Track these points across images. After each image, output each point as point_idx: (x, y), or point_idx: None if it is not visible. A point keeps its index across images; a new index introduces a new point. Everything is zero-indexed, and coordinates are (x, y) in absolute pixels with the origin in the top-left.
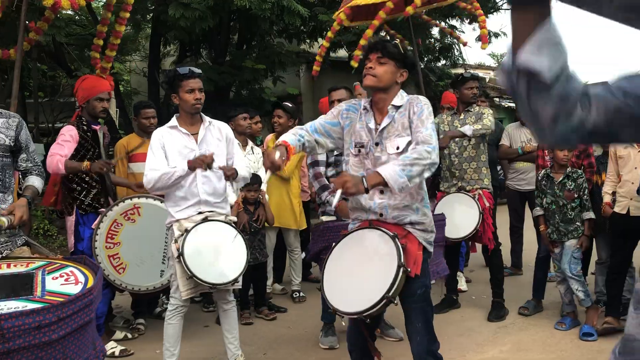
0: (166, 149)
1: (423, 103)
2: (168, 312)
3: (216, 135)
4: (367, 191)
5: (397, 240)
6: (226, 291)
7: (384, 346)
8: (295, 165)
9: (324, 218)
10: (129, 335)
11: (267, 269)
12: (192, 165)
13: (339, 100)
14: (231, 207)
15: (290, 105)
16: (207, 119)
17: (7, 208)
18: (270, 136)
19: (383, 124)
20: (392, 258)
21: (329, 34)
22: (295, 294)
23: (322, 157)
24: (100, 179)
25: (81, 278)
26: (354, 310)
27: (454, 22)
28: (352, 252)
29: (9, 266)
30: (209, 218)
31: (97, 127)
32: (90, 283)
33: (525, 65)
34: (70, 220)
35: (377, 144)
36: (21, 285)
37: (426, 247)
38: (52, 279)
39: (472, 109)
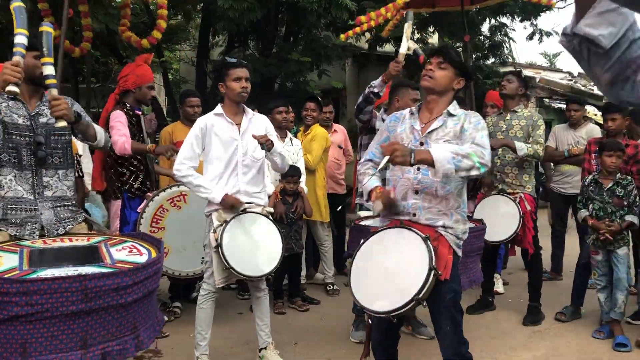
0: (209, 137)
1: (480, 118)
2: (200, 297)
3: (258, 127)
4: (411, 164)
5: (428, 242)
6: (260, 280)
7: (415, 344)
8: (320, 157)
9: (362, 213)
10: (165, 318)
11: (301, 260)
12: (225, 203)
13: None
14: (269, 197)
15: (321, 98)
16: (249, 111)
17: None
18: (299, 133)
19: (434, 126)
20: (423, 260)
21: (372, 14)
22: (329, 287)
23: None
24: (144, 165)
25: (144, 250)
26: (382, 309)
27: (504, 19)
28: (381, 250)
29: (70, 240)
30: (247, 210)
31: (140, 113)
32: (154, 254)
33: (583, 31)
34: (116, 205)
35: (421, 144)
36: (90, 255)
37: (456, 250)
38: (117, 250)
39: (518, 110)
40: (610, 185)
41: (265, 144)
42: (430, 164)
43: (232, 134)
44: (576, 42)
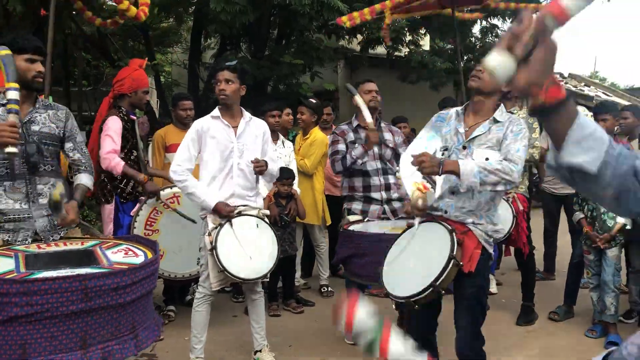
0: (205, 139)
1: (523, 126)
2: (196, 300)
3: (254, 131)
4: (439, 175)
5: (453, 234)
6: (255, 282)
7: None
8: (318, 161)
9: (351, 218)
10: None
11: (296, 263)
12: (218, 210)
13: (368, 91)
14: (263, 200)
15: (314, 101)
16: (247, 114)
17: (65, 209)
18: (298, 136)
19: (477, 132)
20: (445, 249)
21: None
22: (324, 289)
23: (341, 147)
24: (137, 169)
25: (139, 252)
26: (403, 294)
27: (495, 21)
28: (412, 242)
29: (65, 244)
30: (242, 212)
31: (134, 117)
32: (149, 255)
33: (567, 163)
34: (108, 209)
35: (464, 147)
36: (86, 258)
37: (485, 246)
38: (112, 253)
39: (514, 111)
40: None
41: (259, 172)
42: (457, 175)
43: (229, 137)
44: (564, 172)
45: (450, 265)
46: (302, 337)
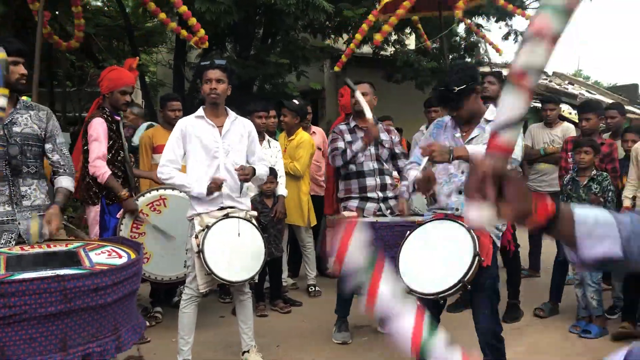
0: (189, 139)
1: None
2: (182, 302)
3: (240, 131)
4: (450, 162)
5: (472, 232)
6: (242, 284)
7: (394, 344)
8: (308, 164)
9: (346, 213)
10: (147, 323)
11: (282, 263)
12: (209, 191)
13: (362, 94)
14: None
15: (297, 102)
16: (232, 114)
17: (45, 218)
18: (282, 135)
19: (473, 134)
20: (467, 247)
21: (358, 36)
22: (311, 288)
23: (340, 145)
24: (123, 171)
25: (123, 254)
26: (429, 291)
27: (480, 20)
28: (428, 239)
29: (49, 246)
30: (230, 214)
31: (118, 118)
32: (134, 256)
33: (592, 258)
34: (94, 211)
35: None
36: (69, 259)
37: (495, 241)
38: (96, 254)
39: None
40: (585, 182)
41: (244, 180)
42: (467, 159)
43: (213, 137)
44: (593, 265)
45: (476, 262)
46: (290, 337)
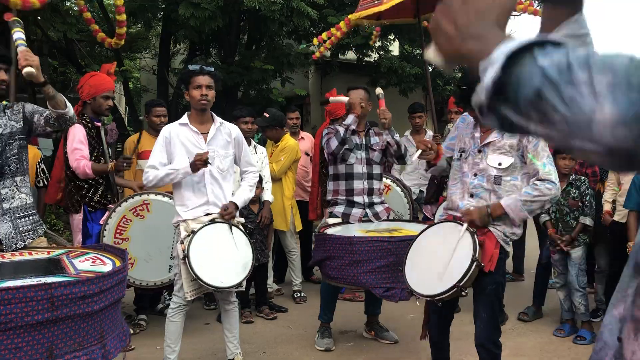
0: (173, 146)
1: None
2: (170, 310)
3: (225, 137)
4: (490, 224)
5: (475, 236)
6: (229, 292)
7: (379, 349)
8: (286, 168)
9: (330, 220)
10: (131, 331)
11: (268, 269)
12: (194, 167)
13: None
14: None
15: (267, 115)
16: (218, 119)
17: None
18: (270, 142)
19: (491, 138)
20: (468, 252)
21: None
22: (296, 294)
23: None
24: (104, 178)
25: (107, 261)
26: (427, 293)
27: None
28: (434, 241)
29: (30, 254)
30: (216, 220)
31: (99, 124)
32: (118, 264)
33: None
34: (77, 219)
35: (479, 151)
36: (53, 266)
37: (504, 246)
38: (80, 261)
39: None
40: (564, 187)
41: (227, 219)
42: (503, 214)
43: (198, 144)
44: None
45: (473, 267)
46: (275, 343)
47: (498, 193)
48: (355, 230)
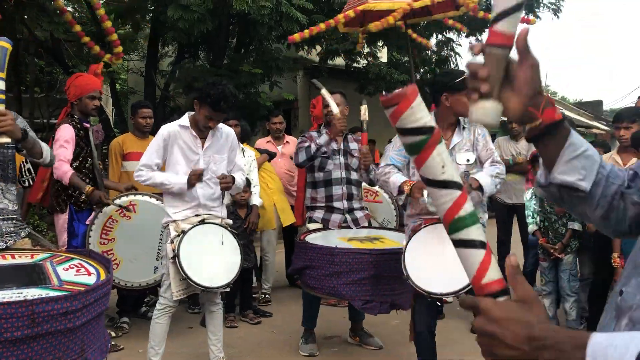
0: (171, 147)
1: (482, 127)
2: (156, 311)
3: (222, 141)
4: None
5: None
6: (215, 293)
7: (364, 354)
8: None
9: (310, 226)
10: (113, 334)
11: (252, 274)
12: (190, 184)
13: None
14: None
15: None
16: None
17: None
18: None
19: (455, 141)
20: None
21: (304, 32)
22: (261, 296)
23: (308, 144)
24: (92, 178)
25: (92, 270)
26: (439, 291)
27: (450, 34)
28: (432, 241)
29: (13, 257)
30: (206, 221)
31: (88, 125)
32: (102, 274)
33: (559, 180)
34: (62, 218)
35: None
36: (36, 275)
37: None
38: (64, 269)
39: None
40: None
41: (225, 189)
42: (482, 191)
43: (195, 148)
44: (554, 190)
45: None
46: (259, 348)
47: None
48: (336, 237)
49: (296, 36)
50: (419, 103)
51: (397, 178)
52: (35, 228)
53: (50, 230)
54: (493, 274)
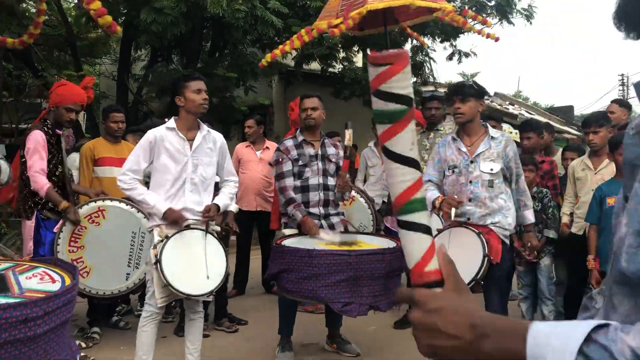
0: (157, 150)
1: (515, 146)
2: (142, 319)
3: (210, 145)
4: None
5: (481, 236)
6: (196, 301)
7: None
8: None
9: (286, 231)
10: (83, 345)
11: (227, 280)
12: (167, 218)
13: (312, 109)
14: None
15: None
16: (205, 127)
17: None
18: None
19: (481, 149)
20: (478, 250)
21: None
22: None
23: (287, 168)
24: (61, 186)
25: (57, 277)
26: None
27: (425, 40)
28: (446, 243)
29: None
30: (191, 226)
31: (60, 132)
32: (68, 281)
33: None
34: (29, 225)
35: (471, 162)
36: None
37: (504, 240)
38: (26, 278)
39: (440, 128)
40: None
41: (206, 221)
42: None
43: (183, 150)
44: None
45: (486, 262)
46: (236, 357)
47: (491, 195)
48: (312, 241)
49: (277, 52)
50: (409, 70)
51: (431, 195)
52: (3, 236)
53: (18, 239)
54: (435, 263)
